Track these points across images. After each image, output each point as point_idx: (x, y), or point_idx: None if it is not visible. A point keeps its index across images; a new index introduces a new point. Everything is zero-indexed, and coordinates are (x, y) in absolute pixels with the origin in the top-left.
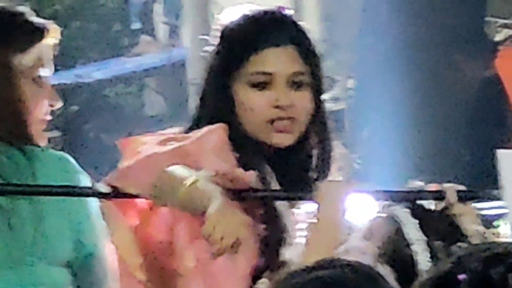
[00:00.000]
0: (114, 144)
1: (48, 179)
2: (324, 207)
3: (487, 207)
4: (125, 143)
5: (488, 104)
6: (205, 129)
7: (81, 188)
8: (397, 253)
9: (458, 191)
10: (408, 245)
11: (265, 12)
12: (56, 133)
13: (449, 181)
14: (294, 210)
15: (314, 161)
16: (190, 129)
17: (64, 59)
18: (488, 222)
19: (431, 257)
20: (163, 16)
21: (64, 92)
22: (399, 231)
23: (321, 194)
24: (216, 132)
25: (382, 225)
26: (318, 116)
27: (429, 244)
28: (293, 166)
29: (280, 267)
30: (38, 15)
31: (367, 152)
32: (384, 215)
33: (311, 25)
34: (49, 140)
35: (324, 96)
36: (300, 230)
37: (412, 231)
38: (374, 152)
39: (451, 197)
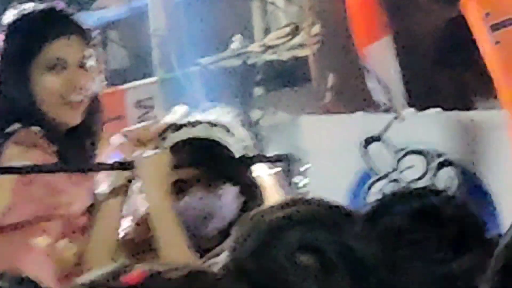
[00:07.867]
0: None
1: None
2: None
3: None
4: None
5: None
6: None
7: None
8: None
9: (257, 156)
10: None
11: (51, 8)
12: None
13: None
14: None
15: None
16: None
17: None
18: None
19: None
20: None
21: None
22: None
23: (140, 167)
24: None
25: None
26: (97, 96)
27: None
28: (83, 142)
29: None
30: None
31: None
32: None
33: None
34: None
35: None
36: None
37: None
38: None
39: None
